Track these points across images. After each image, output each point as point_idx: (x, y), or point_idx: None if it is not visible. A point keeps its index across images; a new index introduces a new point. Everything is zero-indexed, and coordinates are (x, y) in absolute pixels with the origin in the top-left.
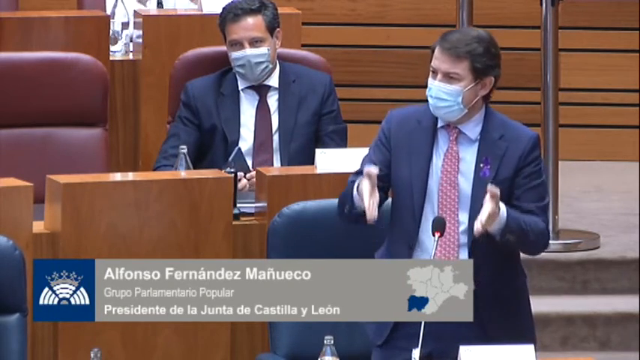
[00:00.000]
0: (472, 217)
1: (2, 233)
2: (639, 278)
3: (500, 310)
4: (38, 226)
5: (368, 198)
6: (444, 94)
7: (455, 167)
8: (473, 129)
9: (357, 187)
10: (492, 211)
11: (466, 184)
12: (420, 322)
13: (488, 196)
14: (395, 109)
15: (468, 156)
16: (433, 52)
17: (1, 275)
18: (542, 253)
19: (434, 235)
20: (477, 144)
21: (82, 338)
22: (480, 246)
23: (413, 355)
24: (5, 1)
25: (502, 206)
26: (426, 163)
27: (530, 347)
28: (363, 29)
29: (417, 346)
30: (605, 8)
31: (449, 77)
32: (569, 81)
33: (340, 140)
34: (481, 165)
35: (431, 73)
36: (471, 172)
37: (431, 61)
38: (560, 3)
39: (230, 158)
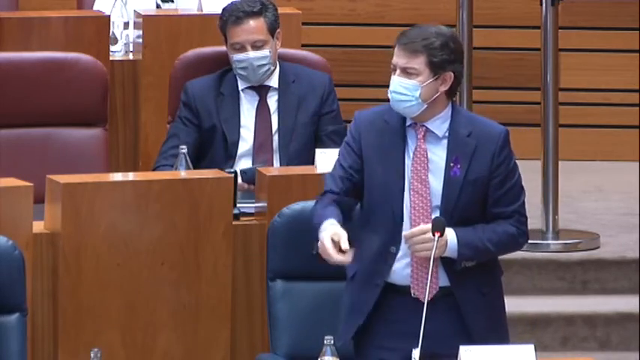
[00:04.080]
0: (444, 217)
1: (2, 233)
2: (639, 278)
3: (481, 306)
4: (38, 226)
5: (335, 258)
6: (402, 88)
7: (424, 165)
8: (440, 126)
9: (320, 238)
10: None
11: (436, 183)
12: (401, 322)
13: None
14: (360, 110)
15: (437, 154)
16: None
17: (1, 275)
18: (543, 253)
19: (434, 235)
20: (445, 141)
21: (82, 338)
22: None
23: (413, 355)
24: (5, 1)
25: (450, 236)
26: (399, 164)
27: (531, 347)
28: (363, 29)
29: (404, 346)
30: (605, 8)
31: (406, 72)
32: (569, 81)
33: (340, 140)
34: (451, 164)
35: (392, 69)
36: (440, 171)
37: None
38: (560, 3)
39: (243, 169)
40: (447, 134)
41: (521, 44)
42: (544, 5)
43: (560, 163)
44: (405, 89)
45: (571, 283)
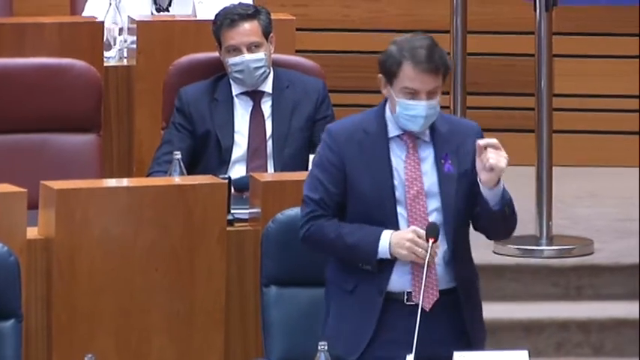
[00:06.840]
0: (445, 214)
1: None
2: (639, 284)
3: (472, 309)
4: (32, 232)
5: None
6: (432, 110)
7: (418, 172)
8: (425, 130)
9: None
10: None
11: (431, 184)
12: (398, 330)
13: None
14: (332, 124)
15: (427, 155)
16: (393, 71)
17: None
18: (536, 259)
19: (428, 241)
20: (430, 142)
21: (76, 344)
22: (459, 245)
23: None
24: None
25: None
26: (388, 171)
27: (524, 353)
28: (357, 35)
29: (401, 353)
30: (598, 14)
31: (431, 93)
32: (563, 87)
33: None
34: (442, 161)
35: (405, 93)
36: (433, 170)
37: (392, 79)
38: (554, 9)
39: (236, 177)
40: (428, 134)
41: (515, 50)
42: (538, 11)
43: (553, 168)
44: (434, 109)
45: (565, 289)
